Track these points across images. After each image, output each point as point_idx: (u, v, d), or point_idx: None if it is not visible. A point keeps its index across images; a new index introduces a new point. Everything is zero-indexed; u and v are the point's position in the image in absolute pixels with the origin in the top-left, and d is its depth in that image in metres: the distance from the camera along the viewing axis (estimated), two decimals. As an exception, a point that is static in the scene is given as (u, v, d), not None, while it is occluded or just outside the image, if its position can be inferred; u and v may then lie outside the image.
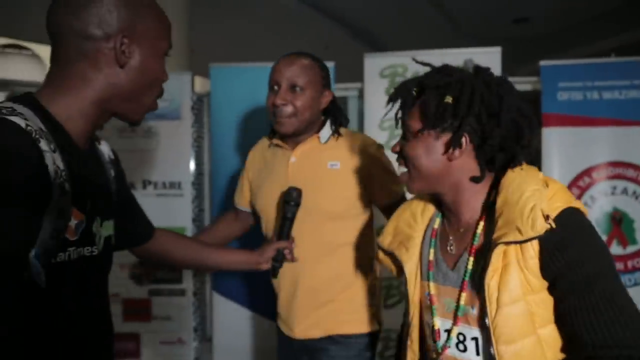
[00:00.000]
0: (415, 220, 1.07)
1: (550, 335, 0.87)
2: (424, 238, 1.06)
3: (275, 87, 1.42)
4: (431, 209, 1.08)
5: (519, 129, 0.91)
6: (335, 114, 1.51)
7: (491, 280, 0.87)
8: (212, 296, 2.52)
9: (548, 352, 0.86)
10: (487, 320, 0.87)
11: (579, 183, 2.31)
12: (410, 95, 0.99)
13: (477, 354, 0.92)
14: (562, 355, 0.88)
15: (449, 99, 0.92)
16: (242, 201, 1.65)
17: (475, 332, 0.92)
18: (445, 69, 0.98)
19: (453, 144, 0.93)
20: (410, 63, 2.55)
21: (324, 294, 1.43)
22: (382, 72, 2.43)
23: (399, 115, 1.01)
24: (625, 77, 2.26)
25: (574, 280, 0.83)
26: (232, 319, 2.44)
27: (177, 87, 2.56)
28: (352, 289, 1.45)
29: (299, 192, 1.36)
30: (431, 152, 0.95)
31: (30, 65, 6.66)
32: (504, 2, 4.50)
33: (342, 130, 1.50)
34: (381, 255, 1.13)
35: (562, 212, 0.85)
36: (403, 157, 1.00)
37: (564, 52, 5.39)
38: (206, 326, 2.67)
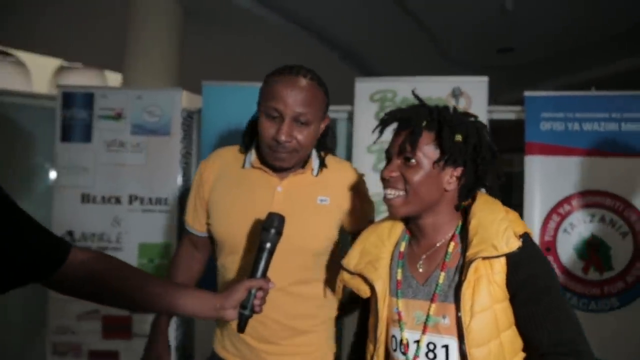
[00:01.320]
0: (382, 243, 1.14)
1: (508, 338, 0.99)
2: (391, 259, 1.13)
3: (276, 116, 1.21)
4: (397, 232, 1.15)
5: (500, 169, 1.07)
6: (324, 140, 1.36)
7: (466, 292, 0.97)
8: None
9: (507, 353, 0.99)
10: (463, 327, 0.97)
11: (559, 210, 2.37)
12: (421, 127, 1.03)
13: None
14: (518, 355, 1.01)
15: (459, 138, 1.02)
16: (199, 225, 1.38)
17: (446, 339, 1.00)
18: (449, 108, 1.07)
19: (467, 178, 1.03)
20: (399, 88, 2.58)
21: (300, 328, 1.30)
22: (372, 96, 2.47)
23: (406, 140, 1.03)
24: (604, 110, 2.34)
25: (531, 291, 0.98)
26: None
27: (168, 102, 2.57)
28: (328, 322, 1.35)
29: (281, 218, 1.12)
30: (435, 181, 1.04)
31: (15, 72, 6.56)
32: (488, 31, 4.64)
33: (327, 158, 1.35)
34: (346, 276, 1.16)
35: (522, 236, 0.99)
36: (404, 182, 1.03)
37: (546, 82, 5.56)
38: (188, 345, 2.64)
